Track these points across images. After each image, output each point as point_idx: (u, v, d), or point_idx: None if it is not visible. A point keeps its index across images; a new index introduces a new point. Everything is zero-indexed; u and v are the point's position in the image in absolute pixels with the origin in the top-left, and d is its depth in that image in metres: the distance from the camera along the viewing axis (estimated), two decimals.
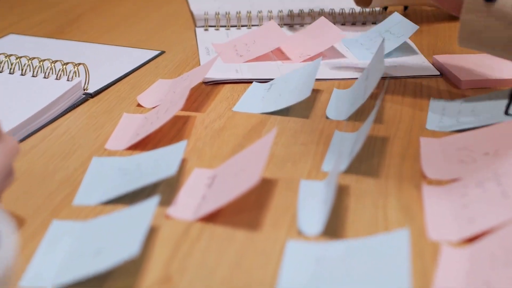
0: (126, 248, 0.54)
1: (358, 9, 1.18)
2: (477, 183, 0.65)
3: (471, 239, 0.59)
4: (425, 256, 0.57)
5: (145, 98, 0.88)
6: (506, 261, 0.53)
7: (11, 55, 0.92)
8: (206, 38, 1.10)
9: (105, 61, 1.00)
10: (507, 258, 0.53)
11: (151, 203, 0.60)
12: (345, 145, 0.74)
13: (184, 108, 0.84)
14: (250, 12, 1.15)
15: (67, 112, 0.84)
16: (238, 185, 0.62)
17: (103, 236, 0.59)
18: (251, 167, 0.64)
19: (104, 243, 0.57)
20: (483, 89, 0.90)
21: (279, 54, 1.02)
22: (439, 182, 0.68)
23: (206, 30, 1.14)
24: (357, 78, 0.93)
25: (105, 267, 0.53)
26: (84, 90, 0.89)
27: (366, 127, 0.70)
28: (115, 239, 0.57)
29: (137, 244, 0.54)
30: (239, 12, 1.15)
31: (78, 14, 1.25)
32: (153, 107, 0.85)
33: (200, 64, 0.99)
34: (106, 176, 0.69)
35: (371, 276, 0.54)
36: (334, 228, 0.61)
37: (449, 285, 0.54)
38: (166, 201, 0.65)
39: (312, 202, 0.65)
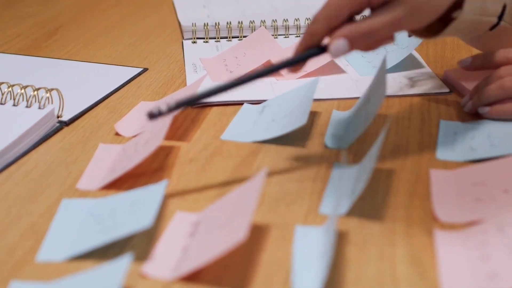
0: None
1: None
2: (498, 228, 0.57)
3: None
4: None
5: (124, 125, 0.79)
6: None
7: None
8: (194, 52, 1.02)
9: (83, 82, 0.91)
10: None
11: (123, 263, 0.52)
12: (346, 182, 0.66)
13: (168, 137, 0.76)
14: (242, 22, 1.07)
15: (39, 145, 0.76)
16: (223, 239, 0.54)
17: None
18: (238, 217, 0.56)
19: None
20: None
21: None
22: (453, 226, 0.60)
23: (194, 42, 1.06)
24: (358, 98, 0.84)
25: None
26: (57, 117, 0.80)
27: (370, 164, 0.61)
28: None
29: None
30: (230, 23, 1.06)
31: (57, 26, 1.17)
32: (133, 136, 0.77)
33: (186, 84, 0.91)
34: (75, 224, 0.61)
35: None
36: (333, 286, 0.53)
37: None
38: (142, 255, 0.57)
39: (308, 254, 0.56)
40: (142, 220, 0.57)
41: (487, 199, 0.63)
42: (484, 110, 0.77)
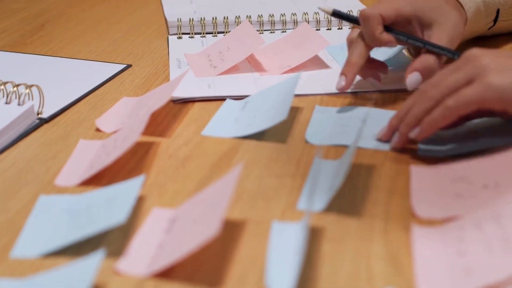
0: None
1: (344, 11, 1.08)
2: (476, 225, 0.57)
3: None
4: None
5: (105, 121, 0.79)
6: None
7: None
8: (179, 48, 1.01)
9: (65, 78, 0.91)
10: None
11: (95, 259, 0.51)
12: (324, 177, 0.65)
13: (148, 132, 0.75)
14: (227, 17, 1.06)
15: (17, 141, 0.75)
16: (196, 235, 0.54)
17: None
18: (212, 212, 0.55)
19: None
20: None
21: (257, 65, 0.93)
22: (431, 222, 0.60)
23: (179, 38, 1.05)
24: (341, 94, 0.84)
25: None
26: (37, 114, 0.80)
27: (348, 159, 0.61)
28: None
29: None
30: (215, 18, 1.06)
31: (43, 21, 1.16)
32: (114, 132, 0.76)
33: (169, 79, 0.90)
34: (51, 220, 0.61)
35: None
36: (307, 282, 0.52)
37: None
38: (117, 250, 0.57)
39: (284, 250, 0.56)
40: (116, 216, 0.57)
41: (467, 195, 0.62)
42: (414, 132, 0.68)
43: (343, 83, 0.80)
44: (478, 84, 0.63)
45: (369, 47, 0.81)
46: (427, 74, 0.77)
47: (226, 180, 0.58)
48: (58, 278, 0.52)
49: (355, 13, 1.07)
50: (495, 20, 0.92)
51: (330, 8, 0.79)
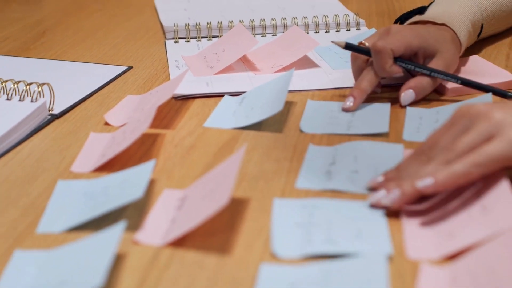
0: (90, 279, 0.52)
1: (331, 17, 1.15)
2: (455, 195, 0.63)
3: (451, 256, 0.56)
4: (404, 276, 0.55)
5: (113, 116, 0.85)
6: (488, 280, 0.50)
7: None
8: (176, 51, 1.07)
9: (71, 79, 0.97)
10: (488, 278, 0.51)
11: (116, 230, 0.57)
12: (320, 160, 0.72)
13: (153, 126, 0.81)
14: (221, 22, 1.13)
15: (32, 135, 0.81)
16: (207, 207, 0.60)
17: (67, 266, 0.56)
18: (220, 187, 0.61)
19: (68, 274, 0.55)
20: (465, 95, 0.87)
21: (251, 65, 0.99)
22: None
23: (176, 42, 1.12)
24: (331, 89, 0.91)
25: None
26: (49, 110, 0.85)
27: None
28: (79, 270, 0.55)
29: (100, 275, 0.51)
30: (210, 23, 1.12)
31: (43, 29, 1.22)
32: (121, 125, 0.82)
33: (170, 79, 0.96)
34: (71, 201, 0.67)
35: None
36: None
37: None
38: (134, 226, 0.62)
39: (286, 222, 0.62)
40: (133, 193, 0.63)
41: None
42: (425, 181, 0.62)
43: (351, 104, 0.83)
44: (501, 141, 0.60)
45: (378, 76, 0.85)
46: (420, 92, 0.85)
47: (231, 161, 0.64)
48: (83, 248, 0.58)
49: (341, 17, 1.14)
50: (479, 35, 0.98)
51: (342, 42, 0.85)
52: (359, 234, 0.60)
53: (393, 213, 0.63)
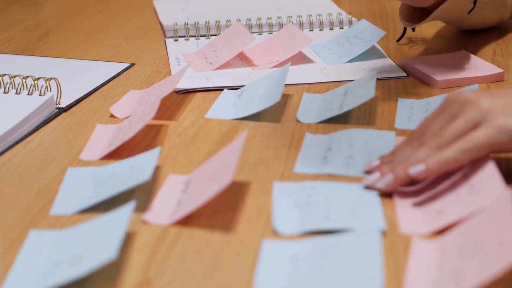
0: (103, 253, 0.55)
1: (325, 15, 1.19)
2: (445, 178, 0.67)
3: (441, 231, 0.60)
4: (397, 249, 0.59)
5: (118, 108, 0.89)
6: (475, 250, 0.54)
7: None
8: (176, 49, 1.11)
9: (76, 75, 1.00)
10: (475, 248, 0.54)
11: (127, 209, 0.61)
12: (317, 147, 0.76)
13: (157, 117, 0.85)
14: (219, 21, 1.17)
15: (40, 127, 0.84)
16: (212, 187, 0.63)
17: (80, 243, 0.60)
18: (223, 169, 0.65)
19: (82, 250, 0.58)
20: (454, 87, 0.92)
21: (248, 61, 1.03)
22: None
23: (176, 40, 1.16)
24: (325, 83, 0.95)
25: (83, 272, 0.54)
26: (56, 104, 0.89)
27: None
28: (93, 245, 0.58)
29: (114, 248, 0.55)
30: (208, 22, 1.16)
31: (45, 31, 1.26)
32: (126, 117, 0.86)
33: (171, 74, 1.00)
34: (81, 185, 0.70)
35: (346, 272, 0.55)
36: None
37: (421, 276, 0.55)
38: (142, 207, 0.66)
39: (285, 203, 0.66)
40: (141, 176, 0.67)
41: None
42: (417, 168, 0.65)
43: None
44: (488, 128, 0.64)
45: None
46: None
47: (233, 145, 0.68)
48: (96, 226, 0.61)
49: (334, 16, 1.18)
50: (475, 3, 1.00)
51: None
52: (354, 212, 0.64)
53: (386, 194, 0.67)
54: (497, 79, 0.94)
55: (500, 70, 0.94)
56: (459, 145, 0.65)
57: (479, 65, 0.97)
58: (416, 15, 1.02)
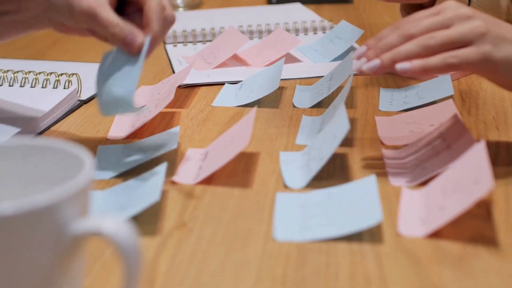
0: (148, 199, 0.66)
1: (309, 21, 1.32)
2: (426, 144, 0.79)
3: (425, 183, 0.72)
4: (389, 197, 0.71)
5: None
6: (454, 189, 0.66)
7: (7, 70, 1.03)
8: (176, 53, 1.23)
9: (91, 75, 1.11)
10: (454, 187, 0.66)
11: (161, 166, 0.72)
12: (313, 124, 0.88)
13: (168, 106, 0.96)
14: (214, 28, 1.29)
15: (66, 116, 0.95)
16: (231, 150, 0.75)
17: (123, 197, 0.70)
18: (240, 135, 0.77)
19: (126, 201, 0.69)
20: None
21: (243, 62, 1.15)
22: (395, 147, 0.82)
23: (175, 46, 1.27)
24: (314, 77, 1.07)
25: (133, 214, 0.65)
26: (78, 97, 1.00)
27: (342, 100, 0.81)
28: (136, 196, 0.69)
29: (157, 192, 0.66)
30: (204, 29, 1.28)
31: (52, 40, 1.36)
32: (141, 106, 0.97)
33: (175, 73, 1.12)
34: (113, 157, 0.81)
35: (349, 211, 0.67)
36: (312, 179, 0.74)
37: (411, 215, 0.67)
38: (168, 174, 0.77)
39: (292, 166, 0.77)
40: (169, 145, 0.78)
41: (418, 131, 0.85)
42: (403, 66, 0.71)
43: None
44: (477, 51, 0.70)
45: None
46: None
47: (246, 118, 0.80)
48: (136, 183, 0.72)
49: (317, 23, 1.31)
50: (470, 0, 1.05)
51: None
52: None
53: (377, 158, 0.79)
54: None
55: None
56: (445, 57, 0.70)
57: None
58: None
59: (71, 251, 0.45)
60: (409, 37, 0.72)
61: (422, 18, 0.73)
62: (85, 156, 0.48)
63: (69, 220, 0.45)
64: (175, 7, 1.58)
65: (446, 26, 0.72)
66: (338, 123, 0.75)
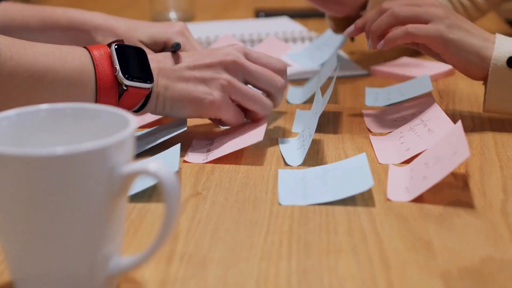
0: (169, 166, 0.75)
1: (297, 31, 1.42)
2: (409, 129, 0.89)
3: (409, 161, 0.82)
4: (379, 173, 0.80)
5: None
6: (435, 162, 0.76)
7: None
8: None
9: None
10: (436, 160, 0.76)
11: (176, 147, 0.81)
12: (307, 114, 0.97)
13: None
14: (218, 35, 1.38)
15: None
16: (242, 141, 0.84)
17: None
18: (253, 130, 0.86)
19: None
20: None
21: None
22: (381, 134, 0.92)
23: None
24: (303, 79, 1.17)
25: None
26: None
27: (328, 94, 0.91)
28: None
29: (175, 164, 0.75)
30: (200, 38, 1.38)
31: None
32: None
33: None
34: None
35: (344, 181, 0.76)
36: (310, 160, 0.83)
37: (398, 186, 0.76)
38: (180, 154, 0.85)
39: (289, 147, 0.87)
40: (179, 128, 0.87)
41: (401, 120, 0.95)
42: (380, 44, 0.94)
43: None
44: (436, 28, 0.89)
45: None
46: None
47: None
48: (167, 155, 0.81)
49: (305, 33, 1.41)
50: None
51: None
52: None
53: (366, 143, 0.88)
54: (449, 75, 1.17)
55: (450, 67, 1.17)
56: (408, 27, 0.91)
57: (429, 65, 1.20)
58: (343, 24, 1.23)
59: (121, 190, 0.54)
60: (385, 11, 0.95)
61: (403, 4, 0.93)
62: (129, 116, 0.57)
63: (119, 163, 0.53)
64: (168, 20, 1.67)
65: (417, 5, 0.93)
66: (316, 101, 0.86)
